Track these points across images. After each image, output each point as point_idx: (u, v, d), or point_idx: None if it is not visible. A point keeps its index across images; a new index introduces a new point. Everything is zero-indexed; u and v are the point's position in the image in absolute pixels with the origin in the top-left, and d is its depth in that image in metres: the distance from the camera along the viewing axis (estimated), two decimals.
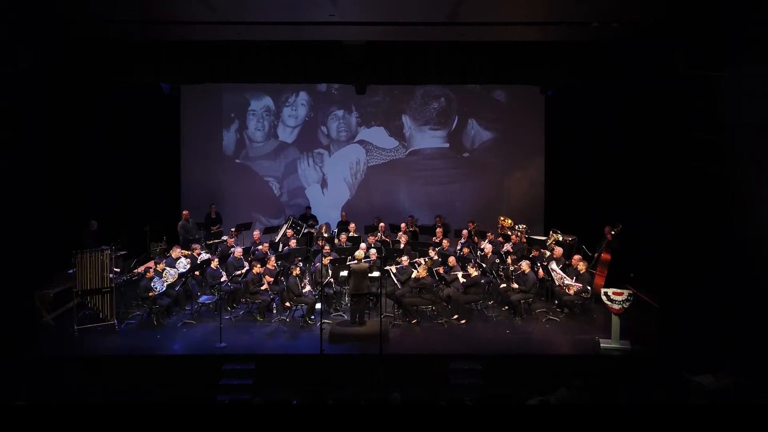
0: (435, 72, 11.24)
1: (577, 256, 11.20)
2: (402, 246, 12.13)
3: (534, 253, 11.92)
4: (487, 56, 11.05)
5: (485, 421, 4.49)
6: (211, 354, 9.55)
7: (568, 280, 10.79)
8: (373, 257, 11.03)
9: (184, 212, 13.35)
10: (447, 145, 14.96)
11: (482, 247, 12.19)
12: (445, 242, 12.29)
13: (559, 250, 11.53)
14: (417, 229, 13.65)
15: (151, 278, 10.50)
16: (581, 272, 10.76)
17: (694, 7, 8.49)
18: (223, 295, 10.83)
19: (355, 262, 10.40)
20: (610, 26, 9.21)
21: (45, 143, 10.85)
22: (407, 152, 15.00)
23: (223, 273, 11.15)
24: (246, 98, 14.86)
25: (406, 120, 14.96)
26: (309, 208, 14.60)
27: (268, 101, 14.91)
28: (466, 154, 14.94)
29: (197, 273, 11.34)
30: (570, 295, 10.76)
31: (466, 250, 11.84)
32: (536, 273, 11.05)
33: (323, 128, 15.00)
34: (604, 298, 9.80)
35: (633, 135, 11.58)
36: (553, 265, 11.12)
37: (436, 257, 11.53)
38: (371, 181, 15.07)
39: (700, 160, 9.32)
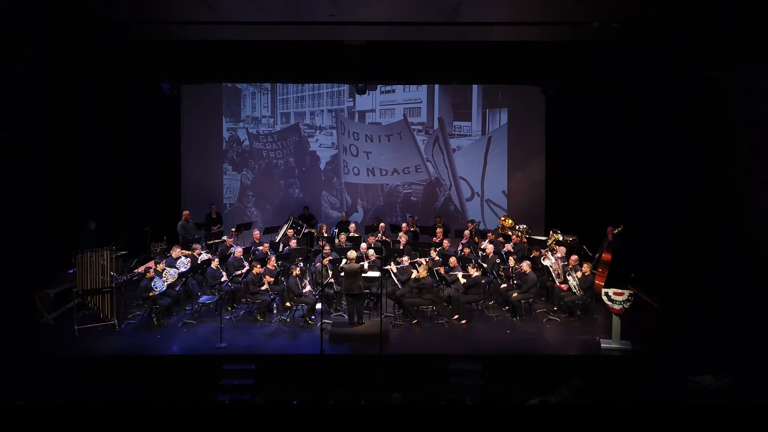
0: (435, 72, 11.23)
1: (574, 257, 11.19)
2: (402, 246, 12.13)
3: (534, 253, 11.91)
4: (487, 56, 11.04)
5: (485, 421, 4.50)
6: (211, 354, 9.55)
7: (572, 281, 10.75)
8: (372, 257, 11.01)
9: (185, 212, 13.34)
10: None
11: (483, 247, 12.18)
12: (445, 242, 12.28)
13: (562, 250, 11.52)
14: (417, 229, 13.63)
15: (151, 278, 10.50)
16: (586, 273, 10.73)
17: (694, 6, 8.48)
18: (223, 295, 10.83)
19: (347, 261, 10.37)
20: (610, 26, 9.20)
21: (45, 143, 10.83)
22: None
23: (224, 273, 11.15)
24: (246, 98, 14.85)
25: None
26: (307, 207, 14.58)
27: (267, 99, 14.91)
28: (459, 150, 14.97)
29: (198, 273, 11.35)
30: (570, 294, 10.75)
31: (467, 250, 11.83)
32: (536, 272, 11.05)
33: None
34: (604, 298, 9.79)
35: (633, 135, 11.57)
36: (549, 259, 11.12)
37: (437, 257, 11.52)
38: (368, 183, 15.08)
39: (700, 160, 9.31)
